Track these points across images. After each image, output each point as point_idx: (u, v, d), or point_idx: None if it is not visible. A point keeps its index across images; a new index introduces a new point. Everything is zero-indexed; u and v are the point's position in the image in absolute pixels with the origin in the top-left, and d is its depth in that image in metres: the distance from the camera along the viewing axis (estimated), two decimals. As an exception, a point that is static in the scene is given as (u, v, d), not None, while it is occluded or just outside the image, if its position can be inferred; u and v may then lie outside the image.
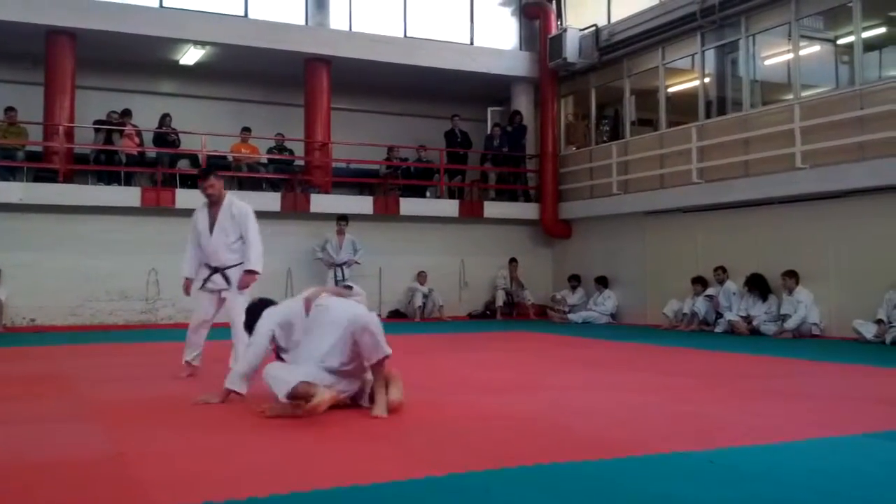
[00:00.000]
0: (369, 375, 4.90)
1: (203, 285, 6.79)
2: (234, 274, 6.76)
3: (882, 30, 11.98)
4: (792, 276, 11.23)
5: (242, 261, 6.71)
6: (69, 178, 13.26)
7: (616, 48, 14.96)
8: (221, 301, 6.79)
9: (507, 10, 17.14)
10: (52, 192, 12.81)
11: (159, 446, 3.96)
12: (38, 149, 13.55)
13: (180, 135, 14.43)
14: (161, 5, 14.11)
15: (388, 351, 4.76)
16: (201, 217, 6.78)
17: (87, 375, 6.77)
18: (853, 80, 11.18)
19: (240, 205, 6.79)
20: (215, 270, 6.75)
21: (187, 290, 6.87)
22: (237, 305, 6.69)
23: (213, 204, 6.77)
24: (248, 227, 6.76)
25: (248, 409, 4.96)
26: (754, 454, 3.76)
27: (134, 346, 9.90)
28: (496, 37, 16.83)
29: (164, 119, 14.36)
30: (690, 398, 5.55)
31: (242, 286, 6.79)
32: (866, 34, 11.23)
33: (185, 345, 6.80)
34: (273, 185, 14.72)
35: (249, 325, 5.32)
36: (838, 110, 10.94)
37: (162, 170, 13.93)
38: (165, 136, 14.33)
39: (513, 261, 15.89)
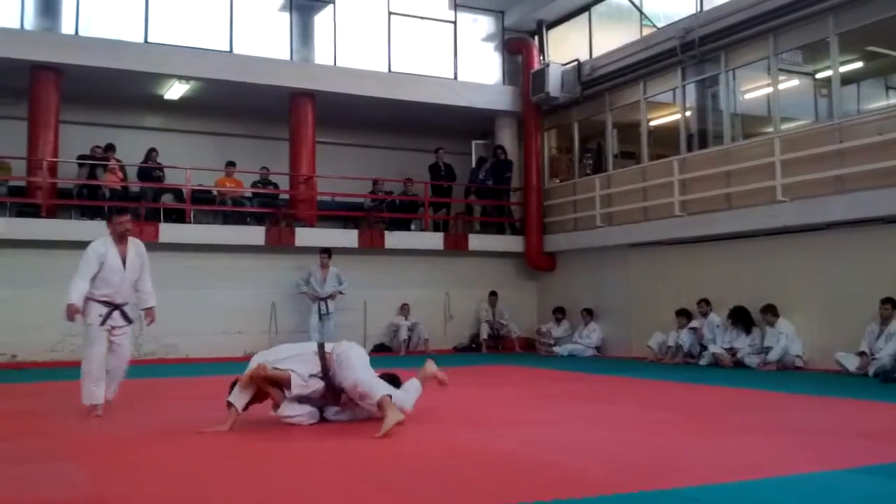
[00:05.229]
0: None
1: (103, 322, 6.69)
2: (131, 313, 6.91)
3: (859, 64, 12.19)
4: (770, 310, 11.29)
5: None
6: (52, 213, 13.19)
7: (598, 82, 15.12)
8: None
9: (491, 46, 17.30)
10: (34, 227, 12.71)
11: (142, 488, 3.91)
12: (22, 183, 13.50)
13: (165, 169, 14.40)
14: (146, 40, 14.12)
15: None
16: (112, 252, 6.71)
17: (68, 413, 6.70)
18: (832, 114, 11.31)
19: (140, 243, 6.98)
20: (114, 308, 6.73)
21: (72, 316, 6.54)
22: (130, 344, 7.01)
23: (122, 240, 6.80)
24: (148, 266, 6.95)
25: (229, 447, 4.92)
26: (739, 491, 3.75)
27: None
28: (480, 71, 16.96)
29: (151, 154, 14.32)
30: (674, 433, 5.54)
31: (152, 320, 7.04)
32: (844, 68, 11.39)
33: (92, 385, 6.50)
34: (258, 219, 14.70)
35: None
36: (817, 143, 11.05)
37: (145, 204, 13.88)
38: (150, 171, 14.30)
39: (493, 294, 15.89)
